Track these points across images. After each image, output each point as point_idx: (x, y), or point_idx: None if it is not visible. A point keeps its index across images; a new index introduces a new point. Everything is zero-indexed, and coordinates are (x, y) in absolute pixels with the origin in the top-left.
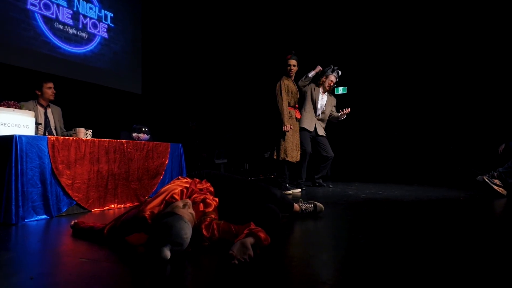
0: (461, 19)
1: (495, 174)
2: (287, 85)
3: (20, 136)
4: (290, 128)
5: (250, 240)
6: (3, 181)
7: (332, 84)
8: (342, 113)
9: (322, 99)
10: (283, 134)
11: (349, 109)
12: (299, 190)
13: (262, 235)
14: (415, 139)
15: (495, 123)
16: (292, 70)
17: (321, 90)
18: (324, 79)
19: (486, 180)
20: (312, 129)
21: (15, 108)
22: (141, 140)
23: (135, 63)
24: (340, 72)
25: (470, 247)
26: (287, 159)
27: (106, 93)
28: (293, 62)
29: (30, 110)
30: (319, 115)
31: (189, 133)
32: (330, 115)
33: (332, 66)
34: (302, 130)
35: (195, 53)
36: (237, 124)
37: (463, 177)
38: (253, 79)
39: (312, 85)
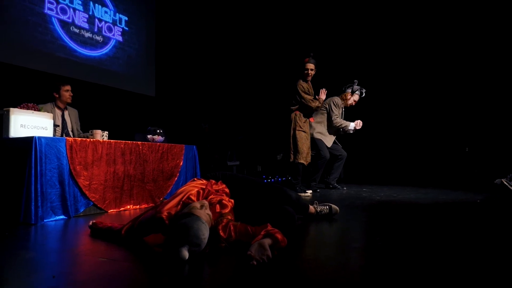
0: (476, 14)
1: None
2: (307, 89)
3: (39, 138)
4: (304, 132)
5: (267, 241)
6: (23, 181)
7: (354, 104)
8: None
9: (343, 115)
10: (298, 137)
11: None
12: (310, 192)
13: (279, 236)
14: (430, 141)
15: None
16: (310, 74)
17: (343, 105)
18: (349, 96)
19: (505, 183)
20: (330, 145)
21: (34, 110)
22: (156, 141)
23: (149, 66)
24: (364, 94)
25: (488, 250)
26: (301, 161)
27: (121, 96)
28: (311, 66)
29: (48, 112)
30: (340, 130)
31: (202, 135)
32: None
33: (357, 83)
34: (319, 139)
35: (208, 56)
36: (250, 126)
37: (480, 180)
38: (266, 82)
39: (335, 99)
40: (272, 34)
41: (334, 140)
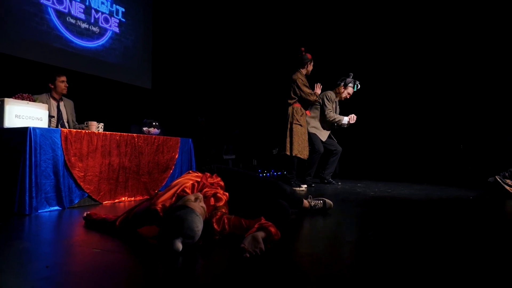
0: (474, 14)
1: (507, 174)
2: (306, 81)
3: (34, 128)
4: (300, 125)
5: (261, 234)
6: (17, 172)
7: (349, 96)
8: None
9: (338, 109)
10: (295, 131)
11: (355, 116)
12: (305, 187)
13: (273, 229)
14: (425, 137)
15: (507, 122)
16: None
17: (337, 99)
18: (342, 89)
19: (498, 180)
20: (325, 139)
21: (29, 100)
22: (151, 134)
23: (146, 58)
24: (359, 86)
25: (479, 247)
26: (298, 155)
27: (117, 87)
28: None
29: (43, 103)
30: (335, 124)
31: (198, 128)
32: None
33: (352, 76)
34: (314, 133)
35: (205, 49)
36: (246, 120)
37: (473, 177)
38: (262, 76)
39: (328, 94)
40: (268, 28)
41: (330, 135)
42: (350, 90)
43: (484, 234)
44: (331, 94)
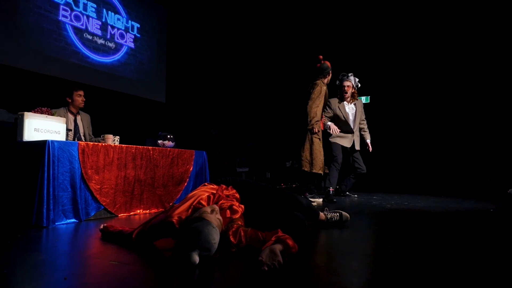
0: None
1: None
2: (325, 91)
3: (52, 141)
4: (319, 139)
5: (278, 247)
6: (35, 184)
7: (348, 89)
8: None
9: (352, 110)
10: (314, 145)
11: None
12: (321, 199)
13: (290, 242)
14: (441, 149)
15: None
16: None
17: (344, 102)
18: (338, 92)
19: None
20: (349, 145)
21: (48, 114)
22: (166, 147)
23: (160, 73)
24: (351, 77)
25: (502, 260)
26: (315, 171)
27: (132, 101)
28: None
29: (61, 116)
30: (354, 128)
31: (211, 141)
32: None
33: (342, 74)
34: (334, 142)
35: (218, 64)
36: (259, 133)
37: (493, 189)
38: (275, 88)
39: (334, 101)
40: (283, 43)
41: (355, 150)
42: (344, 83)
43: (506, 248)
44: (330, 102)
